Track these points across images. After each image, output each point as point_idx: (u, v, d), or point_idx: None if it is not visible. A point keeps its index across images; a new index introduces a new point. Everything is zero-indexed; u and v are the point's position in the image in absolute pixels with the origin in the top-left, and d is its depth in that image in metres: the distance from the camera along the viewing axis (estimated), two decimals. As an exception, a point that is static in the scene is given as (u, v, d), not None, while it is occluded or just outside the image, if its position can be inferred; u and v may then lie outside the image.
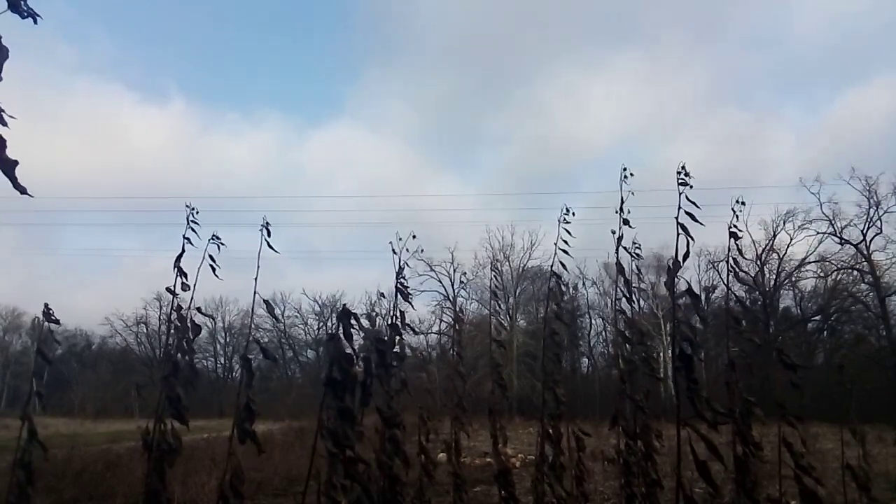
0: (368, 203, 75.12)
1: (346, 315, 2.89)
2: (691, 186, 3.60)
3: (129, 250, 76.02)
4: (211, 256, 3.58)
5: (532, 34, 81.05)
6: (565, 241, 4.80)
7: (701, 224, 3.55)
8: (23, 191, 2.07)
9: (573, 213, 4.78)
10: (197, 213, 3.65)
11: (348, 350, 2.91)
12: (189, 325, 3.56)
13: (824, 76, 76.21)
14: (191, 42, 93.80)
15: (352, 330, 2.92)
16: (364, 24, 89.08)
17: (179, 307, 3.55)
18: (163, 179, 74.20)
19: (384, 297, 4.12)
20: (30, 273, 73.78)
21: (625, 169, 4.30)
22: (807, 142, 67.07)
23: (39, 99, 77.99)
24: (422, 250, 3.76)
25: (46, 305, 3.64)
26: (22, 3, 1.98)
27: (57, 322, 3.67)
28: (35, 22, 2.02)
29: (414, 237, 3.63)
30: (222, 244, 3.62)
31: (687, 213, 3.55)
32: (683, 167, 3.65)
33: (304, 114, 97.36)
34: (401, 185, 74.79)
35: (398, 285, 3.64)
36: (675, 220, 3.55)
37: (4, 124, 1.97)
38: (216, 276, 3.56)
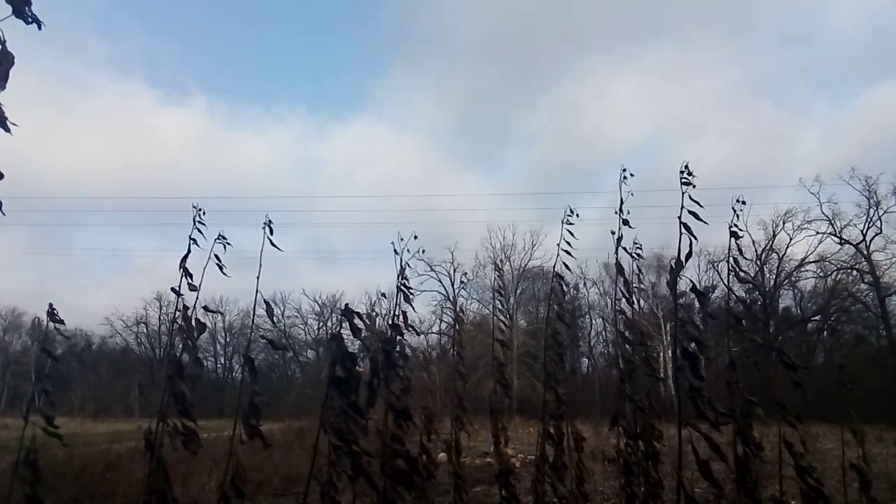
0: (388, 202, 73.98)
1: (349, 313, 2.90)
2: (694, 186, 3.61)
3: (140, 250, 75.95)
4: (217, 256, 3.59)
5: (560, 30, 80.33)
6: (568, 243, 4.82)
7: (705, 223, 3.54)
8: None
9: (577, 215, 4.80)
10: (203, 213, 3.66)
11: (351, 349, 2.92)
12: (194, 324, 3.57)
13: (857, 73, 74.25)
14: (211, 38, 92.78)
15: (357, 328, 2.93)
16: (391, 19, 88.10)
17: (185, 307, 3.55)
18: (180, 178, 74.11)
19: (385, 297, 4.12)
20: (39, 273, 73.85)
21: (624, 170, 4.33)
22: (836, 139, 65.44)
23: (61, 96, 78.22)
24: (423, 251, 3.75)
25: (51, 305, 3.65)
26: (26, 9, 1.98)
27: (61, 321, 3.66)
28: (39, 28, 2.03)
29: (416, 237, 3.62)
30: (228, 244, 3.63)
31: (690, 212, 3.55)
32: (686, 166, 3.66)
33: (327, 110, 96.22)
34: (421, 184, 73.87)
35: (400, 285, 3.64)
36: (678, 219, 3.55)
37: (7, 130, 1.97)
38: (224, 273, 3.57)
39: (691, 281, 3.76)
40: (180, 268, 3.57)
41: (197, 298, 3.59)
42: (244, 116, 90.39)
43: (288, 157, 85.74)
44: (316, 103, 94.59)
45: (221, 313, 50.04)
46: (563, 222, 4.77)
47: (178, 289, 3.53)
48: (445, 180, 74.13)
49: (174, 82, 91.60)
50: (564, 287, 5.08)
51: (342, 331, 3.12)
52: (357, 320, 3.10)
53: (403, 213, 53.23)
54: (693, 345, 3.31)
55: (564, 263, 4.89)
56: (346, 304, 3.15)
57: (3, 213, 2.11)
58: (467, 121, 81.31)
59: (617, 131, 75.86)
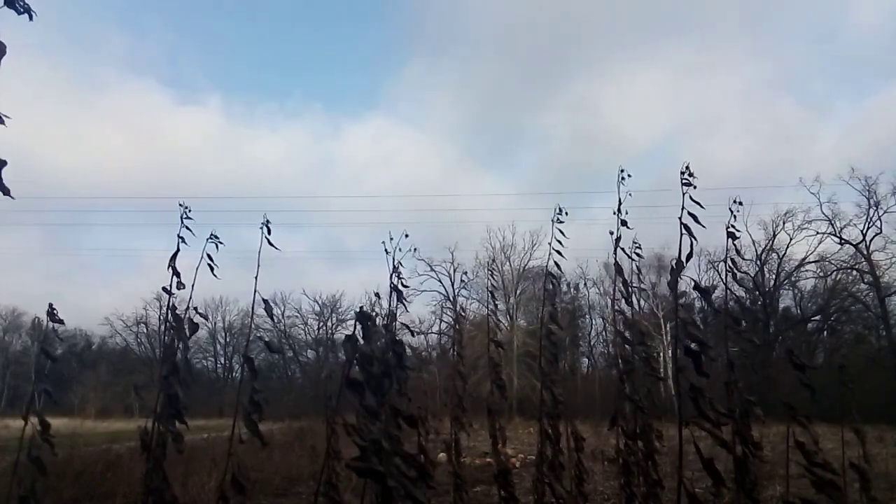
0: (400, 201, 72.97)
1: (364, 317, 2.91)
2: (695, 186, 3.61)
3: (146, 250, 75.61)
4: (209, 256, 3.60)
5: (579, 27, 79.24)
6: (559, 242, 4.83)
7: (703, 226, 3.55)
8: (6, 191, 2.07)
9: (566, 213, 4.84)
10: (190, 211, 3.69)
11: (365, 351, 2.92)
12: (187, 324, 3.57)
13: (878, 71, 72.85)
14: (225, 35, 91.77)
15: (371, 331, 2.94)
16: (408, 15, 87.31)
17: (174, 307, 3.56)
18: (194, 177, 73.88)
19: (378, 297, 4.12)
20: (41, 273, 73.77)
21: (622, 170, 4.33)
22: (855, 137, 64.48)
23: (75, 92, 77.94)
24: (415, 249, 3.76)
25: (50, 305, 3.64)
26: (17, -1, 1.97)
27: (61, 321, 3.66)
28: (31, 18, 2.01)
29: (407, 236, 3.63)
30: (221, 243, 3.64)
31: (690, 213, 3.56)
32: (687, 167, 3.66)
33: (343, 107, 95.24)
34: (436, 183, 73.41)
35: (393, 285, 3.65)
36: (678, 219, 3.55)
37: (1, 122, 1.96)
38: (214, 275, 3.58)
39: (693, 280, 3.76)
40: (169, 267, 3.57)
41: (190, 298, 3.60)
42: (259, 113, 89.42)
43: (303, 155, 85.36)
44: (332, 100, 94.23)
45: (206, 317, 50.18)
46: (553, 221, 4.79)
47: (169, 288, 3.53)
48: (460, 179, 73.75)
49: (188, 80, 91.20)
50: (558, 286, 5.10)
51: (353, 332, 3.12)
52: (370, 323, 3.10)
53: (416, 213, 53.13)
54: (694, 344, 3.31)
55: (556, 263, 4.92)
56: (361, 308, 3.15)
57: (11, 196, 2.10)
58: (483, 119, 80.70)
59: (634, 130, 75.15)
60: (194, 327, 3.58)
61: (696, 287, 3.68)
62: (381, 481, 2.61)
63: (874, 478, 5.42)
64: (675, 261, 3.61)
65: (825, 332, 40.60)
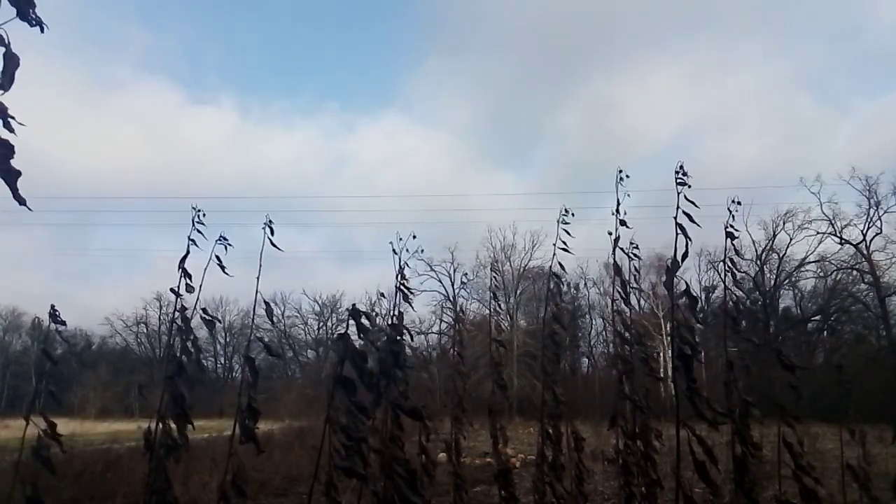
0: (412, 201, 72.30)
1: (357, 313, 2.92)
2: (689, 186, 3.62)
3: (150, 250, 75.32)
4: (218, 258, 3.62)
5: (596, 25, 78.63)
6: (564, 242, 4.85)
7: (698, 225, 3.56)
8: (22, 202, 2.07)
9: (572, 214, 4.84)
10: (204, 215, 3.70)
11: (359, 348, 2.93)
12: (202, 322, 3.60)
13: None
14: (243, 33, 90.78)
15: (364, 328, 2.95)
16: (423, 15, 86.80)
17: (184, 308, 3.58)
18: (209, 176, 73.79)
19: (384, 296, 4.12)
20: (42, 272, 73.71)
21: (620, 171, 4.35)
22: (869, 136, 63.55)
23: (90, 93, 77.55)
24: (422, 250, 3.77)
25: (52, 306, 3.64)
26: (30, 11, 1.98)
27: (63, 323, 3.66)
28: (42, 30, 2.02)
29: (414, 237, 3.64)
30: (229, 245, 3.66)
31: (685, 213, 3.57)
32: (682, 167, 3.67)
33: (358, 106, 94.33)
34: (449, 183, 73.04)
35: (399, 285, 3.65)
36: (673, 219, 3.56)
37: (12, 131, 1.97)
38: (226, 273, 3.60)
39: (686, 283, 3.76)
40: (179, 268, 3.59)
41: (197, 300, 3.61)
42: (274, 112, 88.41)
43: (317, 153, 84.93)
44: (347, 98, 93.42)
45: (219, 320, 50.19)
46: (558, 222, 4.80)
47: (177, 289, 3.55)
48: (473, 179, 73.19)
49: (202, 78, 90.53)
50: (562, 287, 5.11)
51: (345, 330, 3.13)
52: (364, 320, 3.11)
53: (427, 213, 52.95)
54: (687, 347, 3.32)
55: (560, 263, 4.93)
56: (354, 305, 3.16)
57: (29, 208, 2.10)
58: (498, 117, 79.42)
59: (650, 129, 74.61)
60: (211, 324, 3.61)
61: (686, 293, 3.64)
62: (364, 481, 2.60)
63: (874, 478, 5.42)
64: (670, 261, 3.63)
65: (825, 332, 40.59)
